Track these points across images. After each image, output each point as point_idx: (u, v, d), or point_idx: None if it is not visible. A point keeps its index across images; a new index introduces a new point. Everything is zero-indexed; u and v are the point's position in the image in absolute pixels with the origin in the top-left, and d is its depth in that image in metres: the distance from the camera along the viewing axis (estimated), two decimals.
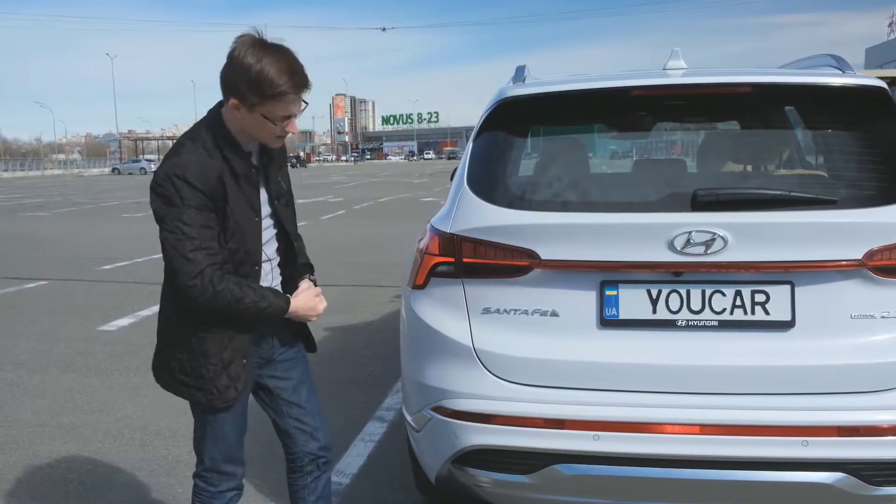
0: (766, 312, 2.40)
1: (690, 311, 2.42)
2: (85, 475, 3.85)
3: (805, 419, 2.30)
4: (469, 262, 2.59)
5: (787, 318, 2.39)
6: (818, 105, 2.69)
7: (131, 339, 6.61)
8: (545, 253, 2.49)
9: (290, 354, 2.60)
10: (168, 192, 2.18)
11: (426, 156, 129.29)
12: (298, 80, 2.17)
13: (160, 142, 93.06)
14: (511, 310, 2.54)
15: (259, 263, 2.37)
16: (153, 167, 63.32)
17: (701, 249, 2.37)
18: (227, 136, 2.25)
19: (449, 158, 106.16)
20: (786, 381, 2.36)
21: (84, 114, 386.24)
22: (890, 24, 69.10)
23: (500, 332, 2.54)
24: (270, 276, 2.46)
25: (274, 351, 2.55)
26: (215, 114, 2.28)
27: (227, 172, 2.22)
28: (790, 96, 2.78)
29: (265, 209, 2.39)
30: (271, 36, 2.19)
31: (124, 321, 7.28)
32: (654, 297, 2.44)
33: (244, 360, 2.39)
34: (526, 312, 2.52)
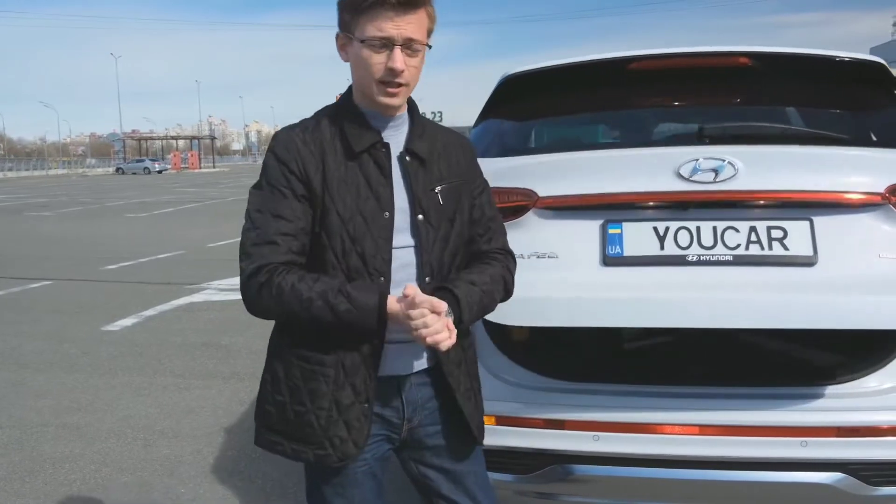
0: (785, 248, 2.23)
1: (702, 246, 2.26)
2: (88, 475, 3.87)
3: (804, 419, 2.30)
4: None
5: (809, 253, 2.23)
6: (823, 77, 2.70)
7: (135, 340, 6.63)
8: (543, 190, 2.38)
9: (444, 437, 1.93)
10: (262, 170, 1.77)
11: None
12: None
13: (164, 142, 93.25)
14: None
15: (386, 274, 1.75)
16: (157, 167, 63.54)
17: (710, 177, 2.25)
18: (350, 105, 1.81)
19: None
20: (810, 316, 2.16)
21: (88, 113, 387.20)
22: (894, 24, 68.93)
23: None
24: None
25: (411, 425, 1.90)
26: (347, 90, 1.86)
27: (337, 150, 1.75)
28: (797, 67, 2.78)
29: (402, 216, 1.78)
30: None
31: (128, 321, 7.30)
32: (662, 233, 2.29)
33: (366, 405, 1.79)
34: (521, 256, 2.27)
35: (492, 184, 2.35)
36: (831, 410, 2.31)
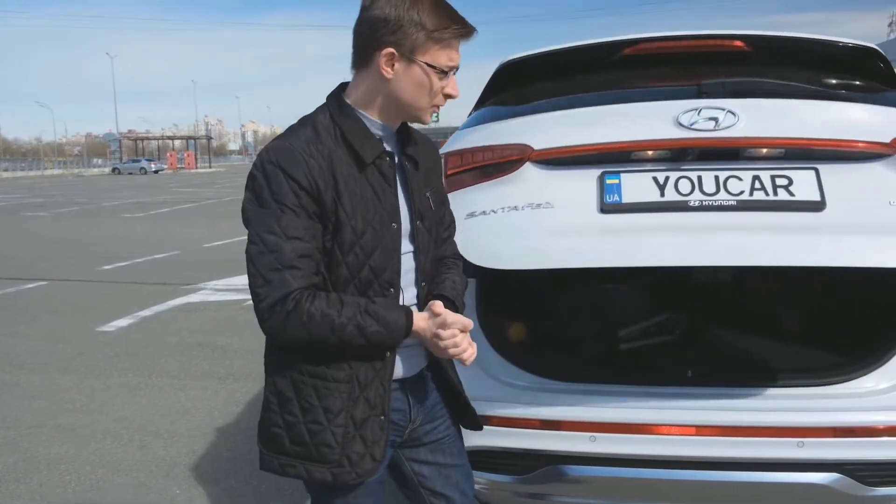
0: (791, 194, 2.15)
1: (704, 193, 2.18)
2: (83, 476, 3.85)
3: (800, 420, 2.29)
4: (453, 173, 2.36)
5: (816, 198, 2.14)
6: (819, 59, 2.72)
7: (131, 340, 6.61)
8: (538, 144, 2.32)
9: (441, 433, 1.98)
10: (259, 185, 1.65)
11: None
12: (465, 21, 1.72)
13: (160, 142, 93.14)
14: (498, 209, 2.24)
15: (396, 285, 1.75)
16: (153, 167, 63.38)
17: (710, 125, 2.19)
18: (351, 113, 1.74)
19: None
20: (820, 255, 2.09)
21: (84, 113, 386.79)
22: (890, 24, 69.23)
23: (484, 233, 2.23)
24: None
25: (414, 425, 1.91)
26: (335, 92, 1.80)
27: (344, 162, 1.69)
28: (794, 49, 2.79)
29: (405, 224, 1.78)
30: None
31: (124, 322, 7.27)
32: (662, 182, 2.21)
33: (382, 417, 1.77)
34: (516, 208, 2.23)
35: (485, 143, 2.33)
36: (828, 411, 2.31)
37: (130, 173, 62.55)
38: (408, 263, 1.79)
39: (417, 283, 1.82)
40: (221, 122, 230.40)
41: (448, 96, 1.76)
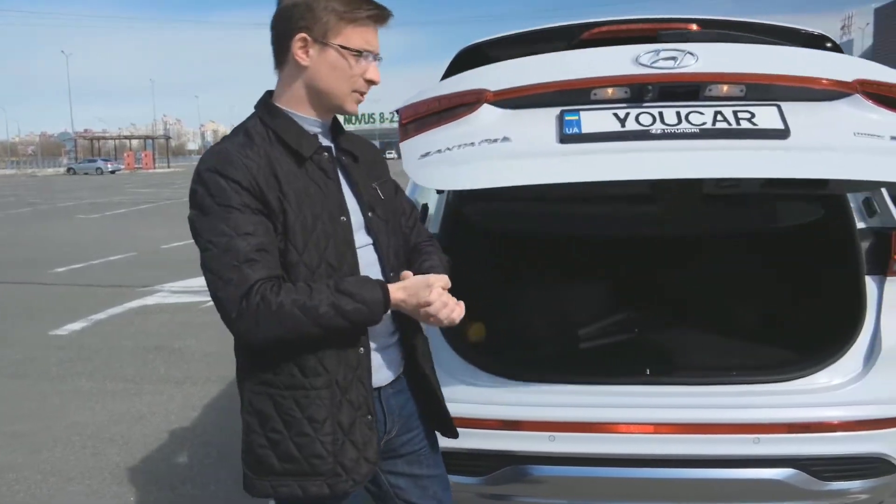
0: (755, 125, 2.08)
1: (665, 124, 2.11)
2: (34, 485, 3.75)
3: (757, 417, 2.32)
4: (407, 122, 2.27)
5: (780, 126, 2.08)
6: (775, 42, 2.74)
7: (85, 344, 6.47)
8: (495, 86, 2.24)
9: (417, 444, 1.93)
10: (200, 195, 1.63)
11: (388, 155, 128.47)
12: (378, 3, 1.72)
13: (118, 141, 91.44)
14: (454, 146, 2.14)
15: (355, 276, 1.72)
16: (110, 167, 62.27)
17: (670, 64, 2.15)
18: (281, 114, 1.73)
19: None
20: (787, 166, 2.06)
21: (38, 113, 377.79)
22: (843, 28, 70.85)
23: (438, 164, 2.13)
24: None
25: (390, 436, 1.87)
26: (262, 99, 1.79)
27: (281, 161, 1.67)
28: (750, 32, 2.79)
29: (356, 216, 1.76)
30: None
31: (77, 325, 7.12)
32: (622, 117, 2.14)
33: (369, 416, 1.73)
34: (472, 144, 2.12)
35: (439, 93, 2.26)
36: (783, 407, 2.34)
37: (86, 173, 61.34)
38: (368, 256, 1.77)
39: (384, 274, 1.78)
40: (180, 122, 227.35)
41: (370, 82, 1.73)
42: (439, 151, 2.13)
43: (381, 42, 1.76)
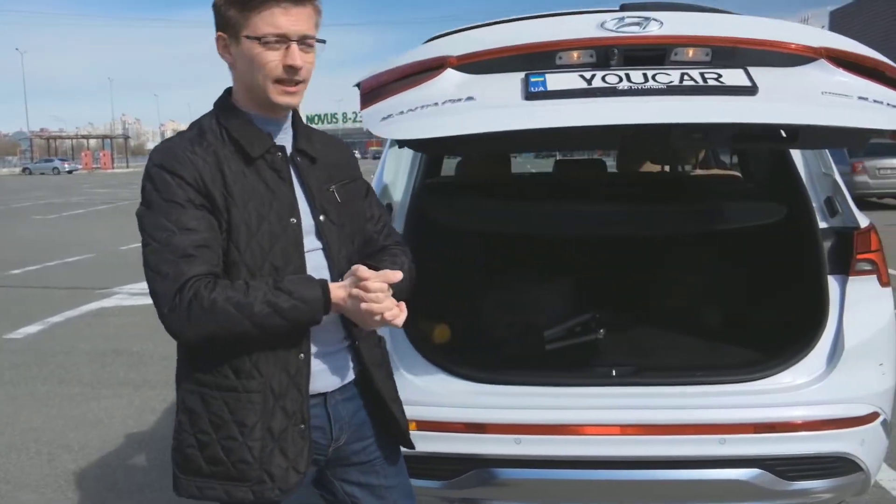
0: (721, 83, 2.07)
1: (631, 82, 2.08)
2: None
3: (722, 417, 2.32)
4: (367, 91, 2.22)
5: (747, 84, 2.06)
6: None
7: (40, 348, 6.31)
8: (458, 51, 2.22)
9: (371, 453, 1.87)
10: (147, 191, 1.63)
11: None
12: None
13: (75, 141, 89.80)
14: (416, 107, 2.08)
15: None
16: (67, 167, 61.14)
17: (636, 29, 2.16)
18: (236, 113, 1.71)
19: (374, 158, 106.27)
20: (755, 114, 2.05)
21: None
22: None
23: (399, 122, 2.07)
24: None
25: (338, 444, 1.81)
26: (221, 96, 1.78)
27: (231, 159, 1.65)
28: None
29: (307, 219, 1.72)
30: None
31: (32, 328, 6.95)
32: (588, 77, 2.11)
33: (302, 425, 1.69)
34: (435, 104, 2.07)
35: (401, 63, 2.22)
36: (748, 407, 2.35)
37: (43, 173, 60.14)
38: (317, 261, 1.72)
39: (334, 280, 1.71)
40: (139, 121, 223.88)
41: (289, 68, 1.65)
42: (401, 113, 2.08)
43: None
